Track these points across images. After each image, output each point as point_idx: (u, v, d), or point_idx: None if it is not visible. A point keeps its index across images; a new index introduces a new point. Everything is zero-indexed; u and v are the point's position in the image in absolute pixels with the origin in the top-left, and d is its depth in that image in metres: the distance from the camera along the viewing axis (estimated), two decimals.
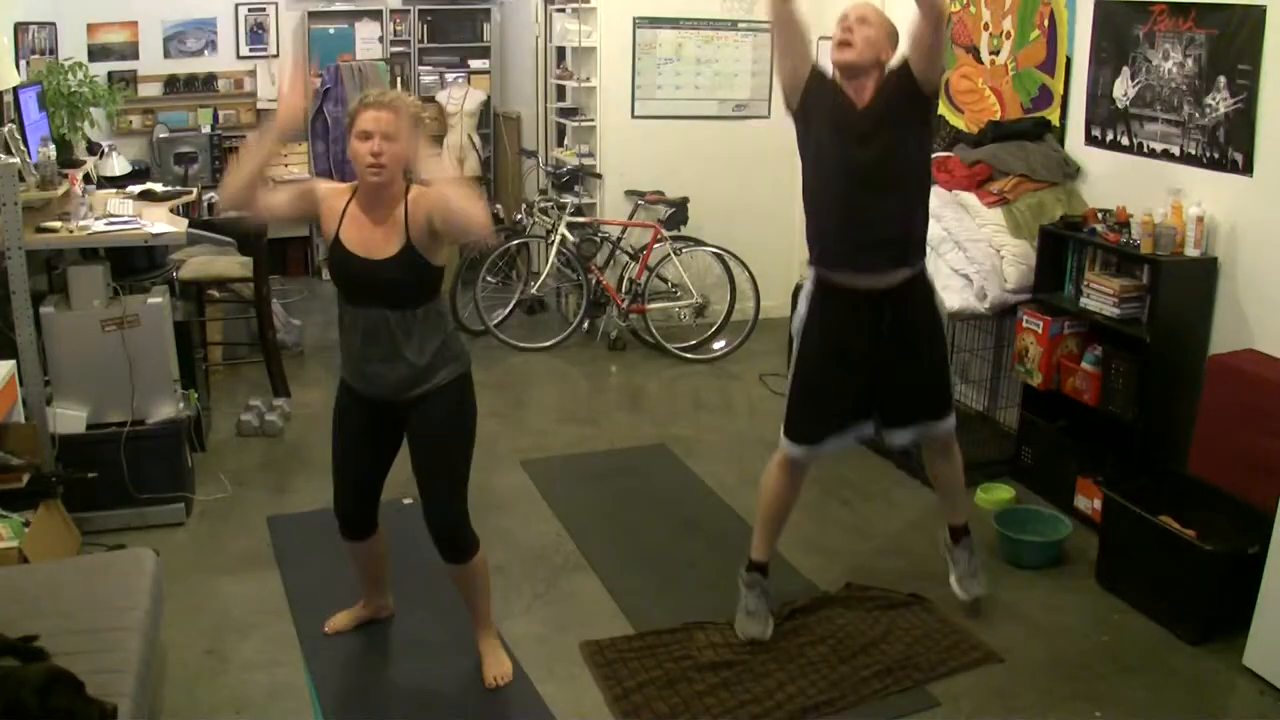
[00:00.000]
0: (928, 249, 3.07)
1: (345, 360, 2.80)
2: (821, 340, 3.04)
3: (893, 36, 2.90)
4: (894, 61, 2.90)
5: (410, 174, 2.65)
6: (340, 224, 2.65)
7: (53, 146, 4.26)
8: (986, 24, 4.72)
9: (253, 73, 7.30)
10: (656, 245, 5.84)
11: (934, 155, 4.69)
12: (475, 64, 7.77)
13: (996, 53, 4.68)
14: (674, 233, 5.89)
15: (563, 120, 6.61)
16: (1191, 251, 3.62)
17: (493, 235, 2.58)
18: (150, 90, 7.09)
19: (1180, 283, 3.63)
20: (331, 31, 7.35)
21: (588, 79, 6.20)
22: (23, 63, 5.40)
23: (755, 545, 3.22)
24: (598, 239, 6.00)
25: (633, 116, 6.11)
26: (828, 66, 2.97)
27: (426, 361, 2.70)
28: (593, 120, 6.17)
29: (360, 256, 2.62)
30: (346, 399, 2.86)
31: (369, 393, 2.76)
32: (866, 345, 2.99)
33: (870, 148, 2.87)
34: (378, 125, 2.53)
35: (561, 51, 6.67)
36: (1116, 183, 4.05)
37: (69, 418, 3.67)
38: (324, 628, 3.16)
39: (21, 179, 3.80)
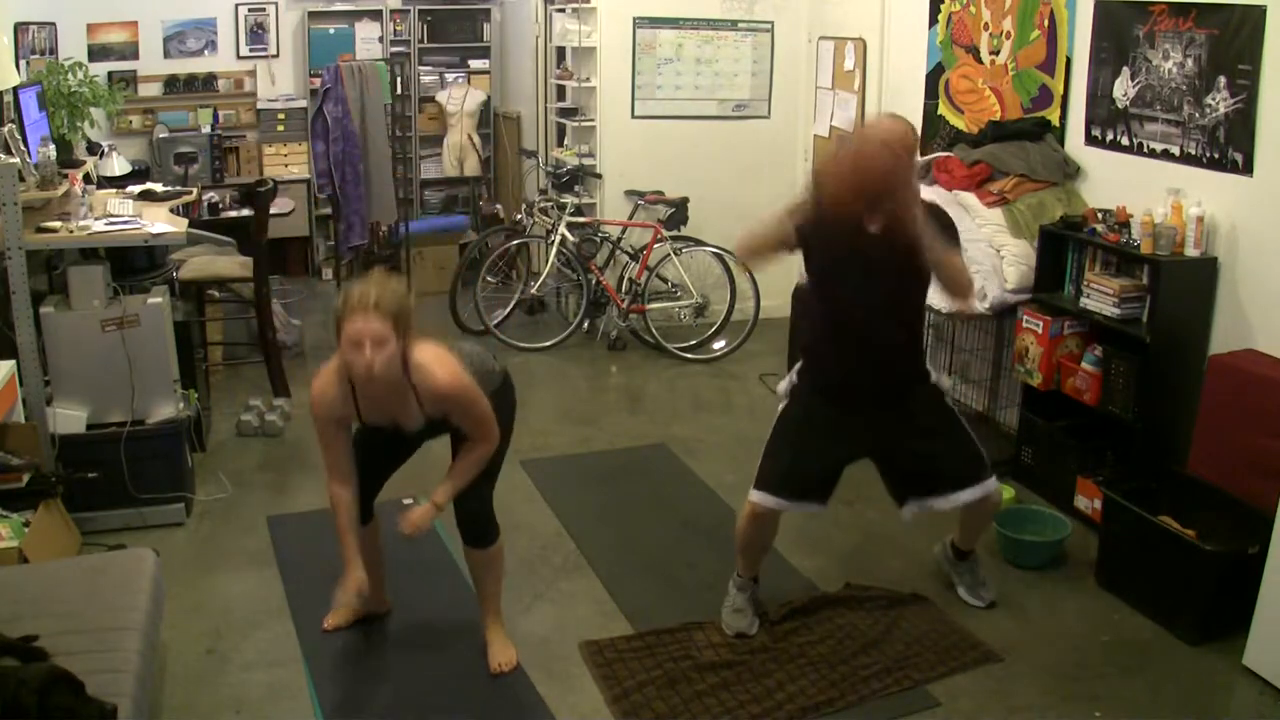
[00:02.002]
0: None
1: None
2: (805, 411, 3.09)
3: (904, 158, 2.74)
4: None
5: (407, 359, 2.66)
6: (359, 411, 2.76)
7: (53, 146, 4.25)
8: (986, 24, 4.72)
9: (253, 73, 7.30)
10: (656, 245, 5.84)
11: (934, 155, 4.71)
12: (475, 64, 7.77)
13: (996, 53, 4.68)
14: (674, 233, 5.89)
15: (563, 120, 6.61)
16: (1191, 251, 3.62)
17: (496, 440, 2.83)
18: (150, 90, 7.09)
19: (1180, 283, 3.63)
20: (331, 31, 7.35)
21: (588, 79, 6.20)
22: (23, 63, 5.41)
23: (739, 566, 3.25)
24: (598, 239, 6.00)
25: (633, 116, 6.11)
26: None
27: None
28: (593, 120, 6.17)
29: (391, 429, 2.79)
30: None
31: None
32: (857, 423, 3.04)
33: (880, 268, 2.84)
34: (367, 334, 2.53)
35: (561, 51, 6.67)
36: (1116, 183, 4.05)
37: (69, 418, 3.67)
38: (323, 624, 3.17)
39: (21, 179, 3.80)
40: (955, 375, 4.39)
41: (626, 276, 5.96)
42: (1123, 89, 4.00)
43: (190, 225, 4.45)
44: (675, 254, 5.83)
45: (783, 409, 3.17)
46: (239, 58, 7.25)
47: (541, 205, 6.09)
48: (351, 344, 2.54)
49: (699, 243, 5.90)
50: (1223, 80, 3.56)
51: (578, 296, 6.08)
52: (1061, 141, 4.32)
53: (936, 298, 4.32)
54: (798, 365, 3.17)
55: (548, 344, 5.93)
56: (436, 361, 2.68)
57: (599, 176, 6.14)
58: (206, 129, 7.06)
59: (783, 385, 3.21)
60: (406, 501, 3.79)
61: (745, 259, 3.07)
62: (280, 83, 7.37)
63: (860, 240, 2.81)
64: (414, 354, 2.65)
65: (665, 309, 5.98)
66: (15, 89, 4.47)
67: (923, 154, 5.04)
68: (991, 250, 4.17)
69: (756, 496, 3.10)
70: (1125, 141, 4.02)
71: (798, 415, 3.11)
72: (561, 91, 6.71)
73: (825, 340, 3.07)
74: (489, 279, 6.07)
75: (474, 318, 5.96)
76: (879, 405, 3.03)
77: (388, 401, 2.71)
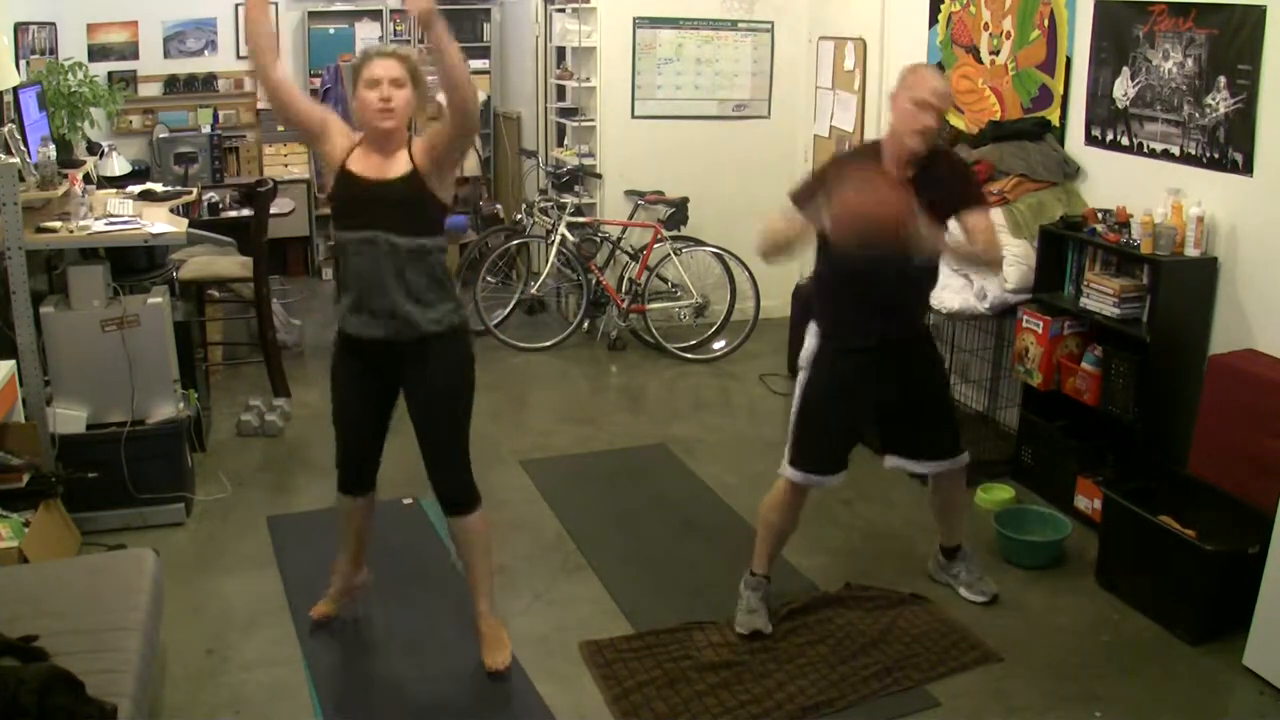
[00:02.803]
0: None
1: (343, 299, 2.80)
2: (830, 378, 3.09)
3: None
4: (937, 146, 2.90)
5: (414, 126, 2.71)
6: (347, 157, 2.72)
7: (53, 146, 4.26)
8: (986, 24, 4.72)
9: (253, 73, 7.28)
10: (656, 245, 5.84)
11: None
12: (475, 64, 7.76)
13: (996, 53, 4.68)
14: (674, 233, 5.89)
15: (563, 120, 6.61)
16: (1191, 251, 3.62)
17: (478, 108, 2.67)
18: (150, 90, 7.09)
19: (1180, 283, 3.63)
20: (331, 31, 7.35)
21: (588, 79, 6.20)
22: (23, 63, 5.40)
23: (757, 559, 3.26)
24: (598, 239, 6.00)
25: (633, 116, 6.11)
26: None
27: (423, 299, 2.71)
28: (593, 120, 6.17)
29: (367, 177, 2.69)
30: (343, 351, 2.88)
31: (365, 334, 2.76)
32: (874, 386, 3.08)
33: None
34: (386, 71, 2.62)
35: (561, 51, 6.67)
36: (1116, 183, 4.05)
37: (69, 418, 3.67)
38: (311, 614, 3.18)
39: (21, 179, 3.80)
40: (955, 375, 4.38)
41: (626, 276, 5.96)
42: (1123, 89, 4.00)
43: (190, 225, 4.45)
44: (675, 254, 5.83)
45: (807, 379, 3.13)
46: (239, 58, 7.24)
47: (541, 205, 6.09)
48: (369, 81, 2.62)
49: (699, 243, 5.91)
50: (1223, 80, 3.56)
51: (578, 296, 6.08)
52: (1061, 141, 4.32)
53: (939, 298, 4.33)
54: (816, 330, 3.13)
55: (548, 344, 5.93)
56: None
57: (599, 176, 6.14)
58: (206, 129, 7.06)
59: (804, 352, 3.16)
60: (406, 502, 3.80)
61: (771, 259, 3.05)
62: None
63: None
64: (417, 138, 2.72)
65: (665, 309, 5.98)
66: (15, 89, 4.47)
67: None
68: None
69: (795, 475, 3.11)
70: (1125, 141, 4.02)
71: (825, 386, 3.08)
72: (561, 91, 6.71)
73: (845, 300, 3.05)
74: (489, 279, 6.07)
75: (474, 318, 5.95)
76: (895, 361, 3.04)
77: (379, 153, 2.69)
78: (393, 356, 2.78)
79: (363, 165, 2.70)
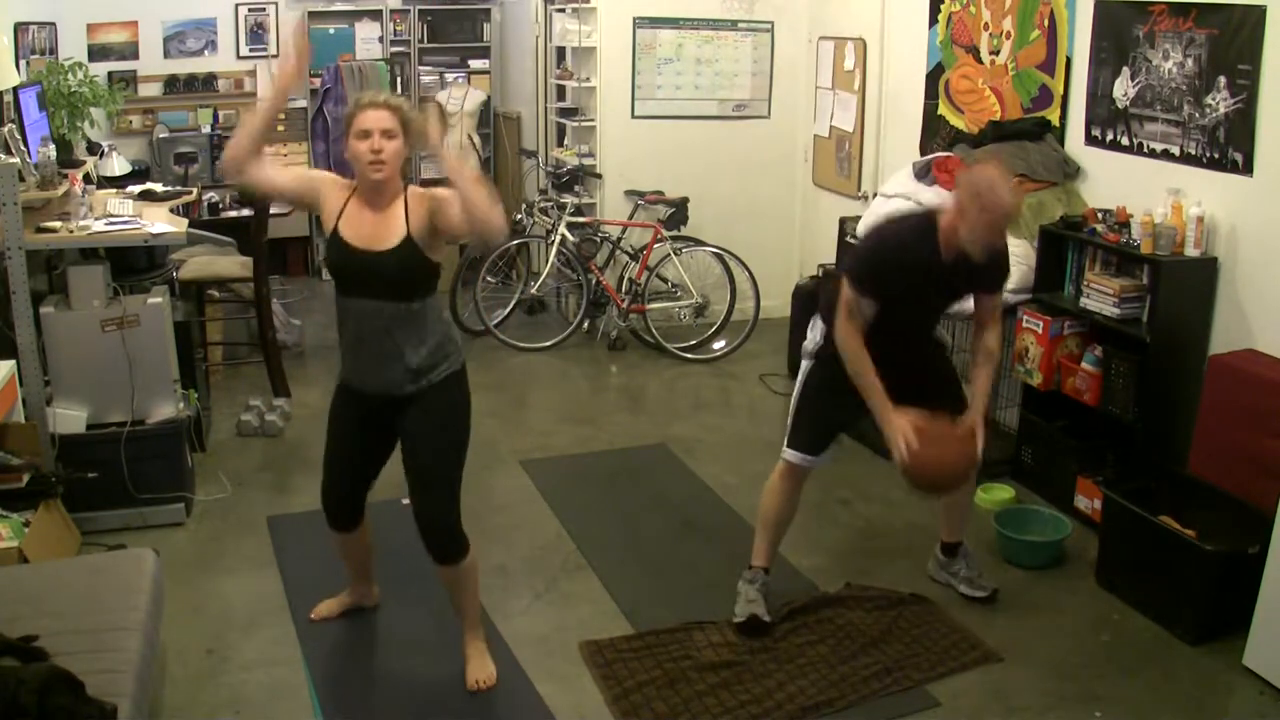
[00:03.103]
0: None
1: (344, 356, 2.82)
2: (829, 376, 3.12)
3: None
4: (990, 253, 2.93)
5: (408, 175, 2.68)
6: (339, 218, 2.67)
7: (53, 146, 4.26)
8: (986, 24, 4.72)
9: (253, 73, 7.30)
10: (656, 245, 5.84)
11: (934, 155, 4.71)
12: (475, 64, 7.77)
13: (996, 53, 4.68)
14: (674, 233, 5.89)
15: (563, 120, 6.61)
16: (1191, 251, 3.62)
17: (505, 236, 2.62)
18: (150, 90, 7.09)
19: (1180, 283, 3.63)
20: (331, 31, 7.34)
21: (588, 79, 6.20)
22: (23, 63, 5.40)
23: (757, 551, 3.27)
24: (598, 239, 6.00)
25: (633, 116, 6.11)
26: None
27: (421, 358, 2.72)
28: (593, 120, 6.17)
29: (359, 248, 2.64)
30: (343, 397, 2.88)
31: (365, 389, 2.78)
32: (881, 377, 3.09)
33: (944, 297, 3.11)
34: (377, 123, 2.59)
35: (561, 51, 6.67)
36: (1116, 183, 4.05)
37: (69, 418, 3.67)
38: (310, 615, 3.19)
39: (21, 179, 3.80)
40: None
41: (626, 276, 5.96)
42: (1123, 89, 4.00)
43: (190, 225, 4.45)
44: (675, 254, 5.83)
45: (809, 371, 3.21)
46: (239, 58, 7.25)
47: (541, 205, 6.09)
48: (360, 133, 2.59)
49: (699, 243, 5.91)
50: (1223, 80, 3.56)
51: (578, 296, 6.08)
52: (1061, 141, 4.32)
53: None
54: (822, 331, 3.17)
55: (548, 344, 5.93)
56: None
57: (599, 176, 6.14)
58: (206, 129, 7.06)
59: (808, 344, 3.23)
60: (405, 503, 3.79)
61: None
62: None
63: (933, 271, 2.95)
64: (413, 185, 2.69)
65: (665, 309, 5.98)
66: (15, 89, 4.47)
67: (922, 154, 5.05)
68: None
69: (792, 456, 3.18)
70: (1125, 141, 4.02)
71: (823, 382, 3.16)
72: (561, 91, 6.71)
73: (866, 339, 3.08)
74: (489, 279, 6.07)
75: (474, 318, 5.96)
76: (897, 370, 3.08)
77: (372, 209, 2.64)
78: (390, 406, 2.78)
79: (355, 229, 2.65)
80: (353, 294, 2.70)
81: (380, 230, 2.64)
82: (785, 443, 3.23)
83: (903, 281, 2.93)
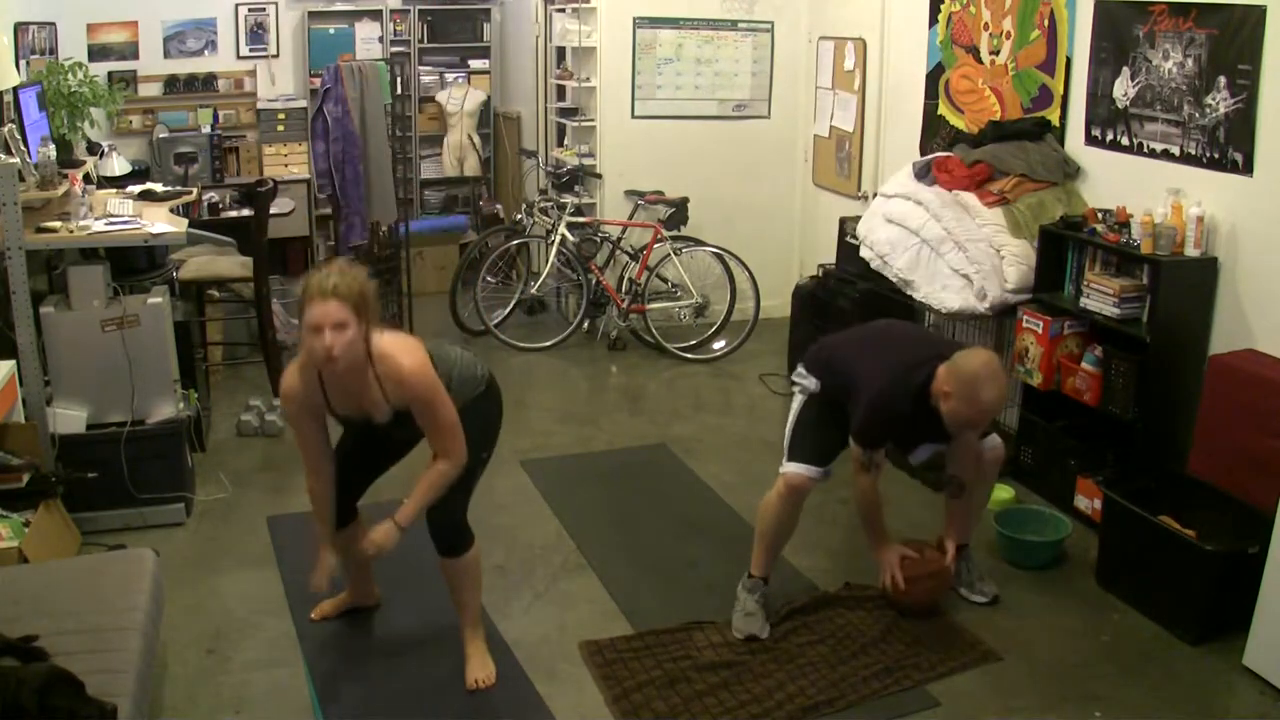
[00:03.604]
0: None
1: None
2: (823, 413, 3.20)
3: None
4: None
5: (370, 346, 2.63)
6: (329, 401, 2.74)
7: (53, 146, 4.25)
8: (986, 24, 4.72)
9: (253, 73, 7.29)
10: (656, 245, 5.84)
11: (934, 155, 4.71)
12: (475, 64, 7.77)
13: (996, 53, 4.68)
14: (674, 233, 5.89)
15: (563, 120, 6.61)
16: (1191, 251, 3.62)
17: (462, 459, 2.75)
18: (150, 90, 7.09)
19: (1180, 283, 3.63)
20: (331, 31, 7.34)
21: (588, 79, 6.20)
22: (23, 63, 5.40)
23: (756, 561, 3.26)
24: (598, 239, 6.00)
25: (633, 116, 6.11)
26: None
27: None
28: (593, 120, 6.17)
29: (355, 418, 2.75)
30: None
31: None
32: None
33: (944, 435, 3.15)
34: (325, 318, 2.50)
35: (561, 51, 6.67)
36: (1116, 183, 4.05)
37: (69, 418, 3.67)
38: (311, 615, 3.19)
39: (21, 179, 3.80)
40: None
41: (626, 276, 5.96)
42: (1123, 89, 4.00)
43: (190, 225, 4.45)
44: (675, 254, 5.83)
45: (803, 405, 3.25)
46: (239, 58, 7.25)
47: (541, 205, 6.09)
48: (311, 329, 2.52)
49: (699, 243, 5.91)
50: (1223, 80, 3.56)
51: (578, 296, 6.08)
52: (1061, 141, 4.32)
53: (940, 298, 4.32)
54: (815, 381, 3.25)
55: (548, 344, 5.93)
56: (402, 349, 2.66)
57: (599, 176, 6.14)
58: (206, 129, 7.06)
59: (805, 386, 3.26)
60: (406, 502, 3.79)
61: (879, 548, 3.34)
62: (280, 83, 7.36)
63: (933, 418, 3.04)
64: (379, 342, 2.63)
65: (665, 309, 5.98)
66: (15, 89, 4.47)
67: (922, 154, 5.05)
68: (991, 250, 4.17)
69: (793, 469, 3.17)
70: (1125, 141, 4.02)
71: (820, 415, 3.22)
72: (561, 91, 6.71)
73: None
74: (489, 279, 6.07)
75: (474, 318, 5.96)
76: None
77: (353, 389, 2.67)
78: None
79: (343, 403, 2.73)
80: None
81: (366, 404, 2.70)
82: (785, 458, 3.20)
83: (905, 428, 3.12)
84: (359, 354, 2.58)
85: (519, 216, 6.27)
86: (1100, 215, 3.92)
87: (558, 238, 5.91)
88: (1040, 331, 3.94)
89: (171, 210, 4.59)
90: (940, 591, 3.32)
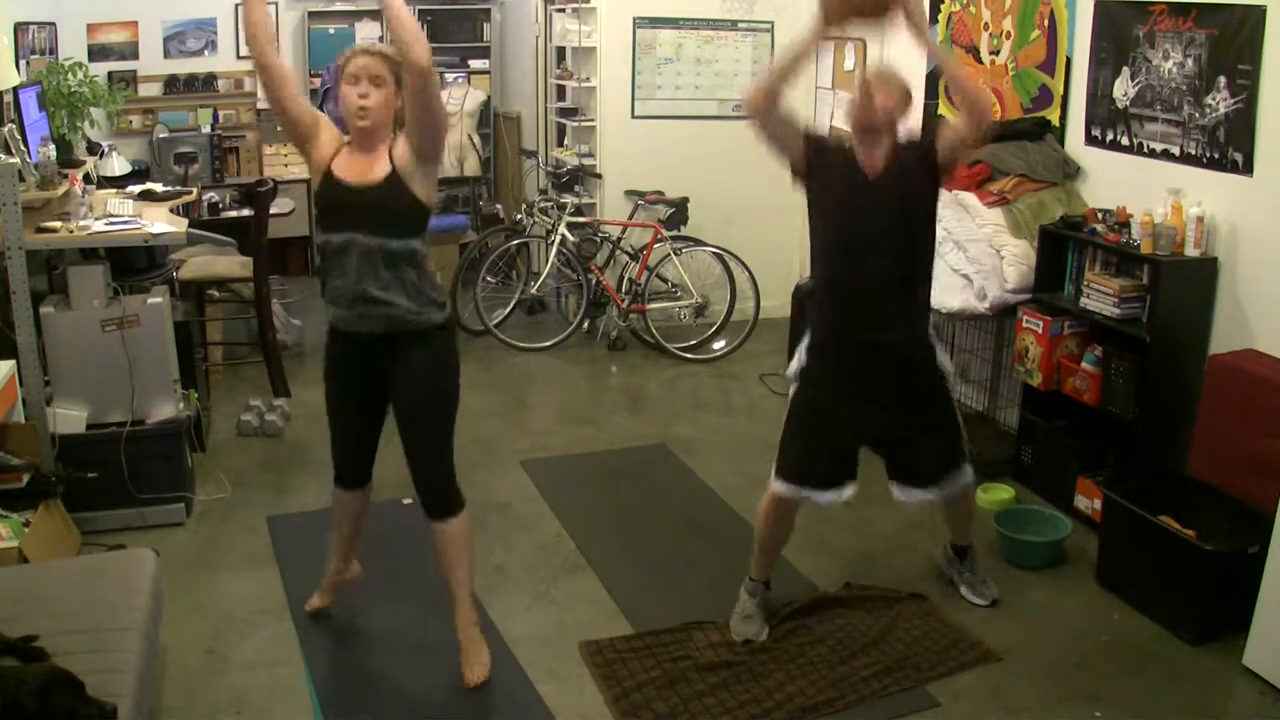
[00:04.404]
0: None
1: (328, 296, 2.82)
2: (812, 398, 3.09)
3: (908, 99, 2.95)
4: (911, 133, 2.97)
5: (400, 125, 2.72)
6: (332, 160, 2.74)
7: (53, 146, 4.26)
8: (986, 24, 4.72)
9: (253, 73, 7.29)
10: (656, 245, 5.84)
11: None
12: (475, 64, 7.77)
13: (996, 53, 4.68)
14: (674, 233, 5.89)
15: (563, 120, 6.61)
16: (1191, 251, 3.62)
17: (427, 66, 2.58)
18: (150, 90, 7.09)
19: (1180, 283, 3.63)
20: (331, 31, 7.35)
21: (588, 79, 6.20)
22: (23, 63, 5.40)
23: (754, 565, 3.26)
24: (598, 239, 6.00)
25: (633, 116, 6.11)
26: (821, 124, 2.98)
27: (405, 296, 2.73)
28: (593, 120, 6.17)
29: (348, 182, 2.70)
30: (334, 348, 2.91)
31: (349, 328, 2.80)
32: (861, 411, 3.04)
33: (881, 215, 2.91)
34: (365, 69, 2.64)
35: (561, 51, 6.67)
36: (1116, 183, 4.05)
37: (69, 418, 3.67)
38: (305, 606, 3.21)
39: (21, 179, 3.80)
40: (956, 375, 4.39)
41: (626, 276, 5.96)
42: (1123, 89, 4.00)
43: (190, 225, 4.45)
44: (675, 254, 5.83)
45: (794, 394, 3.16)
46: (239, 58, 7.24)
47: (541, 205, 6.09)
48: (350, 77, 2.65)
49: (699, 243, 5.91)
50: (1223, 80, 3.56)
51: (578, 296, 6.08)
52: (1061, 141, 4.32)
53: (939, 299, 4.31)
54: (805, 342, 3.13)
55: (548, 344, 5.93)
56: None
57: (599, 176, 6.14)
58: (206, 129, 7.06)
59: (791, 367, 3.18)
60: (406, 501, 3.80)
61: (758, 111, 3.11)
62: None
63: (861, 178, 2.93)
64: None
65: (665, 309, 5.98)
66: (15, 89, 4.47)
67: None
68: (991, 250, 4.17)
69: (777, 486, 3.12)
70: (1125, 141, 4.02)
71: (806, 402, 3.11)
72: (561, 91, 6.72)
73: (826, 302, 3.05)
74: (489, 279, 6.07)
75: (474, 318, 5.96)
76: (883, 382, 3.02)
77: (362, 154, 2.71)
78: (379, 352, 2.80)
79: (346, 168, 2.72)
80: (337, 229, 2.72)
81: (367, 170, 2.71)
82: (774, 471, 3.14)
83: (821, 168, 3.01)
84: (386, 120, 2.68)
85: (519, 216, 6.27)
86: (1100, 215, 3.93)
87: (558, 238, 5.91)
88: (1040, 331, 3.95)
89: (171, 210, 4.59)
90: None
